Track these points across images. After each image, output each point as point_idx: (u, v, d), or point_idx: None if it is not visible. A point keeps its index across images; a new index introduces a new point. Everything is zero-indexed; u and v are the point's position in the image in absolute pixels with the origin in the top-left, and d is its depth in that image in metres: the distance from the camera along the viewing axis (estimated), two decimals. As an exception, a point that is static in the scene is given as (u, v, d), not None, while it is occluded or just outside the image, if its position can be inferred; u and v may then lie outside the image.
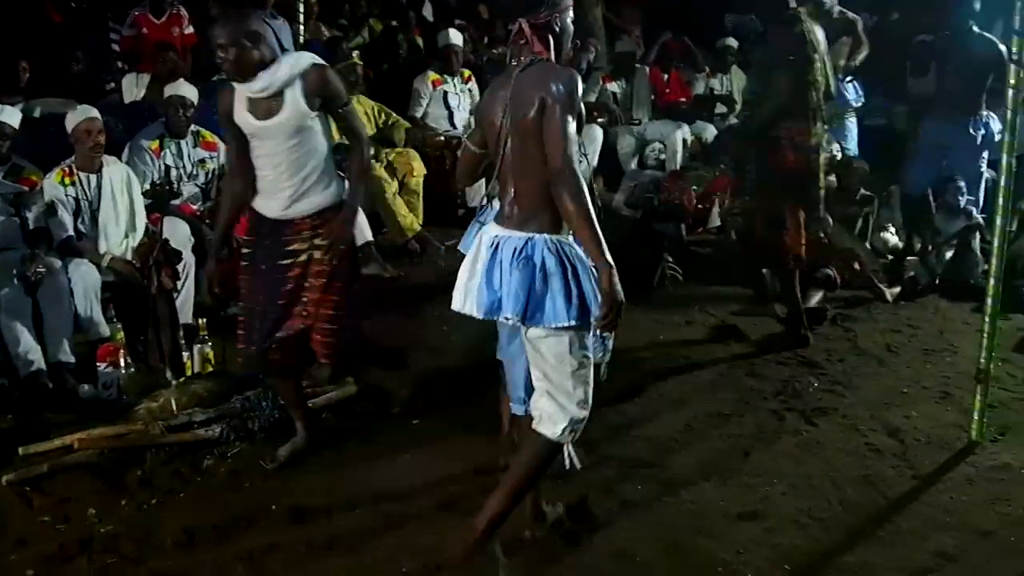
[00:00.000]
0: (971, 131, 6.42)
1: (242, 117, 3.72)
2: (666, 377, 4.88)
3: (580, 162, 2.92)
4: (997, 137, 6.06)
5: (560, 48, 3.00)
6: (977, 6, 6.47)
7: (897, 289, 6.08)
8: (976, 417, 4.07)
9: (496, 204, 3.09)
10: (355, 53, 6.88)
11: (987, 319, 3.97)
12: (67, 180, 4.94)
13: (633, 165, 7.87)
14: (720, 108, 9.03)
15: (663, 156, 7.62)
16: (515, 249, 2.91)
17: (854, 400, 4.56)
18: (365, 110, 6.96)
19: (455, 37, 7.52)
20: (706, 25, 10.06)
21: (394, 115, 7.10)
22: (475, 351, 5.13)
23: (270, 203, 3.81)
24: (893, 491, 3.73)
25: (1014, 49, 3.74)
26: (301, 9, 7.18)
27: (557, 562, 3.31)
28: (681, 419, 4.38)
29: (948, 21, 6.73)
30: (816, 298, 5.87)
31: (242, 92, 3.68)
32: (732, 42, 9.30)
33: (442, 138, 7.19)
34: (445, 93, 7.40)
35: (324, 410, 4.44)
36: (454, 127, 7.42)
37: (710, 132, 8.54)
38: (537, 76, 2.88)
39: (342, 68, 6.74)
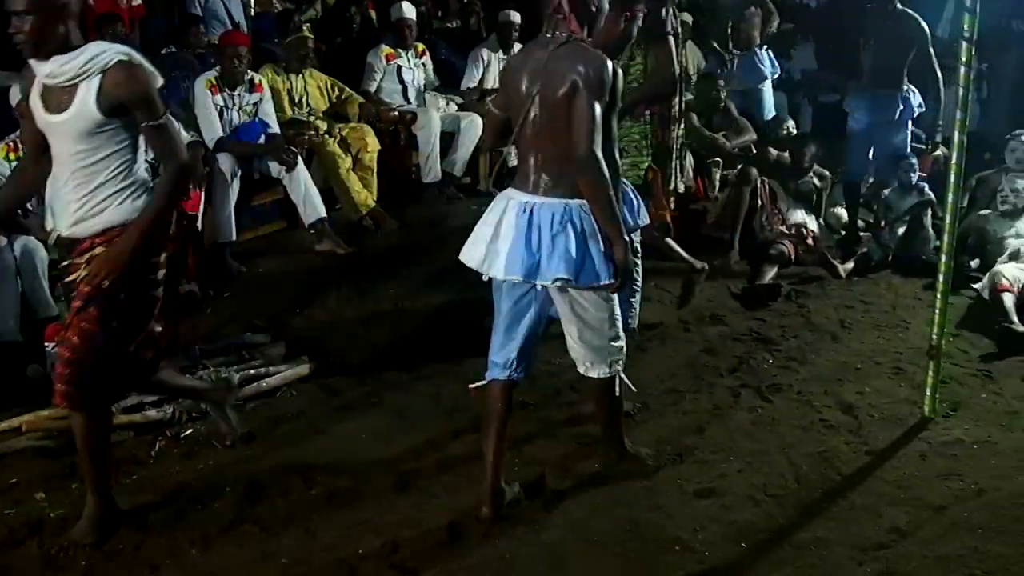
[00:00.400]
0: (892, 106, 6.54)
1: (35, 103, 3.14)
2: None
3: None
4: (916, 112, 6.67)
5: (593, 26, 3.22)
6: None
7: (850, 265, 6.13)
8: (928, 393, 4.11)
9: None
10: (306, 26, 6.75)
11: (939, 295, 4.01)
12: (12, 156, 4.81)
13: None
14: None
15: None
16: (553, 215, 3.14)
17: (808, 376, 4.59)
18: (318, 84, 6.87)
19: (408, 10, 7.42)
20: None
21: (347, 90, 7.00)
22: (429, 327, 5.14)
23: (60, 216, 3.26)
24: (847, 467, 3.76)
25: (965, 27, 3.76)
26: (251, -19, 7.06)
27: (513, 539, 3.31)
28: (636, 396, 4.36)
29: None
30: (770, 274, 5.90)
31: (39, 74, 3.08)
32: (687, 17, 9.27)
33: (396, 113, 7.10)
34: (399, 67, 7.31)
35: (279, 388, 4.41)
36: (408, 101, 7.34)
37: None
38: (572, 56, 3.09)
39: (292, 42, 6.68)
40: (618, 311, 3.37)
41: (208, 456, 3.87)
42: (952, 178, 3.91)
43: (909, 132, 6.76)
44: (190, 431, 4.04)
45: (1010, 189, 6.06)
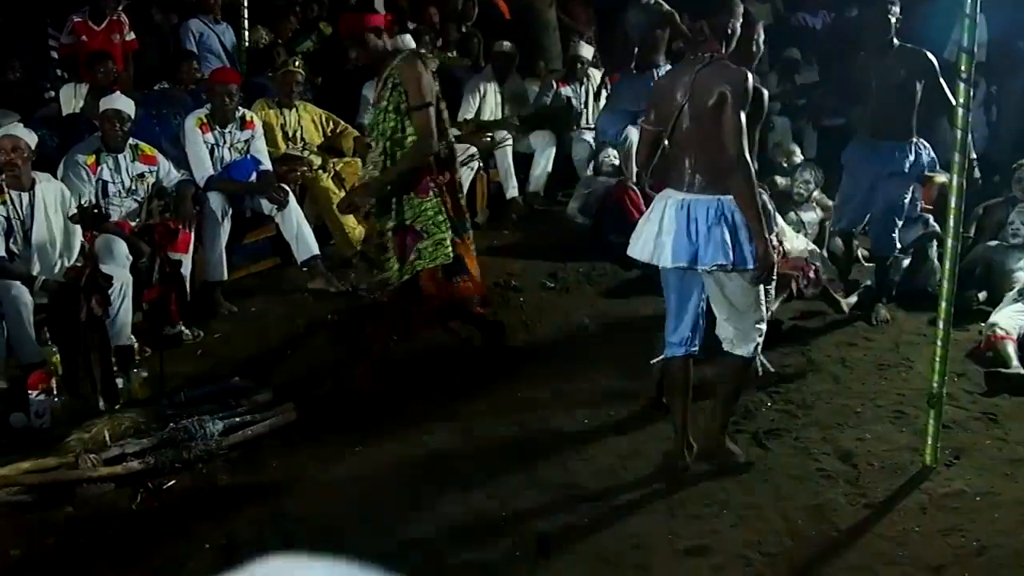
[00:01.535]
0: (898, 159, 5.52)
1: None
2: (612, 397, 4.78)
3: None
4: (927, 168, 5.65)
5: (729, 46, 3.71)
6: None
7: (853, 299, 5.98)
8: (930, 442, 3.97)
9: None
10: (297, 61, 6.67)
11: (939, 342, 3.88)
12: None
13: (588, 171, 7.74)
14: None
15: (617, 161, 7.50)
16: (708, 209, 3.63)
17: (807, 421, 4.46)
18: (312, 117, 6.81)
19: (408, 43, 7.34)
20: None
21: (342, 123, 6.93)
22: (420, 369, 5.04)
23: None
24: (844, 521, 3.64)
25: (961, 66, 3.64)
26: (245, 15, 6.98)
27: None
28: (628, 442, 4.27)
29: (869, 34, 5.82)
30: (771, 309, 5.77)
31: None
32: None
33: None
34: (396, 100, 7.22)
35: (264, 436, 4.31)
36: (404, 135, 7.25)
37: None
38: (717, 72, 3.62)
39: (279, 76, 6.61)
40: (763, 298, 3.85)
41: (188, 509, 3.78)
42: (953, 201, 3.77)
43: (913, 190, 5.85)
44: (173, 482, 3.95)
45: (1020, 221, 5.93)
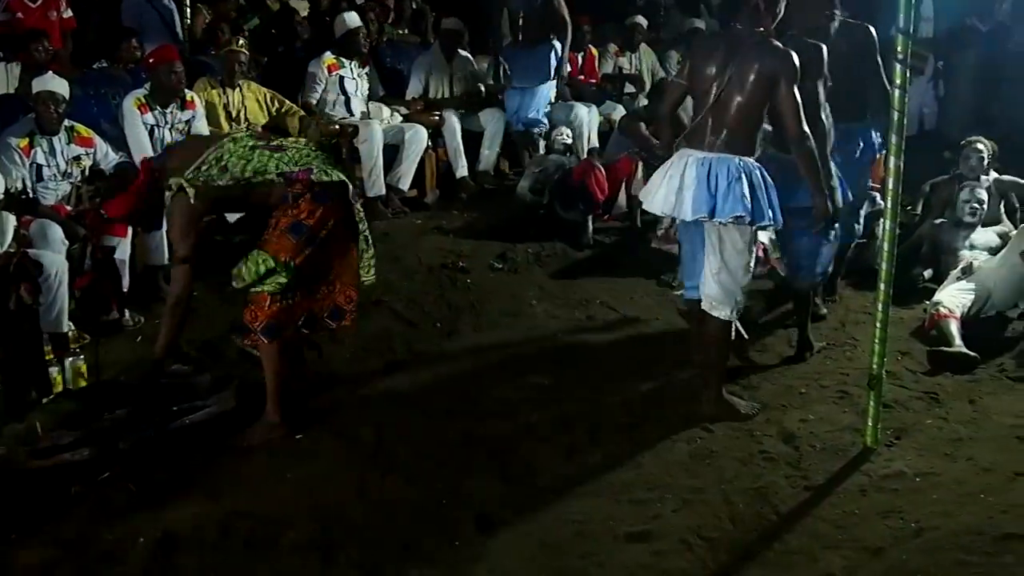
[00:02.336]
0: (848, 143, 5.11)
1: None
2: (563, 379, 4.75)
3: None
4: (879, 153, 5.33)
5: (774, 20, 4.03)
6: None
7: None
8: (870, 423, 3.98)
9: None
10: (240, 40, 6.54)
11: (878, 324, 3.88)
12: None
13: (540, 150, 7.69)
14: (629, 88, 8.87)
15: (569, 140, 7.45)
16: (729, 167, 3.95)
17: (752, 402, 4.45)
18: (257, 97, 6.68)
19: (355, 19, 7.25)
20: (614, 1, 9.91)
21: (288, 102, 6.82)
22: (362, 358, 4.97)
23: None
24: (785, 504, 3.63)
25: (899, 49, 3.61)
26: (187, -9, 6.83)
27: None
28: (577, 425, 4.25)
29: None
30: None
31: None
32: (641, 20, 9.16)
33: (337, 126, 6.91)
34: (341, 78, 7.10)
35: (203, 425, 4.23)
36: (351, 113, 7.14)
37: (619, 112, 8.39)
38: (764, 51, 3.95)
39: (222, 55, 6.49)
40: (751, 265, 4.17)
41: (123, 503, 3.69)
42: (891, 182, 3.76)
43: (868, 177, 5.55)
44: (107, 474, 3.86)
45: (977, 200, 5.94)
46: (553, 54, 7.70)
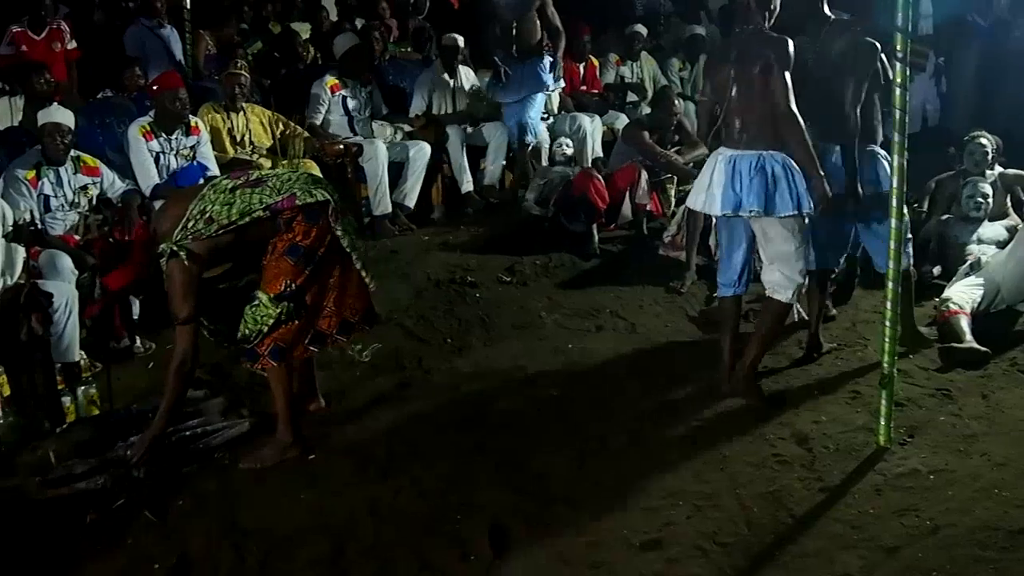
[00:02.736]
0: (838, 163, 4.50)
1: None
2: (573, 389, 4.75)
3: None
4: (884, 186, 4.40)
5: (772, 17, 4.21)
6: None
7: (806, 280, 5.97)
8: (883, 422, 3.97)
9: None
10: (240, 63, 6.58)
11: (888, 322, 3.87)
12: None
13: (543, 162, 7.70)
14: (631, 96, 8.88)
15: (570, 151, 7.46)
16: (751, 162, 4.13)
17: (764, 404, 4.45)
18: (261, 120, 6.72)
19: (351, 40, 7.30)
20: (614, 11, 9.92)
21: (292, 124, 6.86)
22: (372, 376, 4.98)
23: None
24: (800, 507, 3.62)
25: (897, 48, 3.62)
26: (187, 17, 6.87)
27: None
28: (589, 435, 4.25)
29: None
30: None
31: None
32: (641, 28, 9.17)
33: (341, 146, 6.93)
34: (344, 98, 7.15)
35: (217, 449, 4.24)
36: (354, 133, 7.17)
37: (622, 122, 8.39)
38: (759, 41, 4.18)
39: (223, 78, 6.53)
40: (804, 251, 4.30)
41: (138, 529, 3.70)
42: (895, 180, 3.79)
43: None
44: (122, 501, 3.87)
45: (980, 195, 5.93)
46: (544, 65, 7.56)
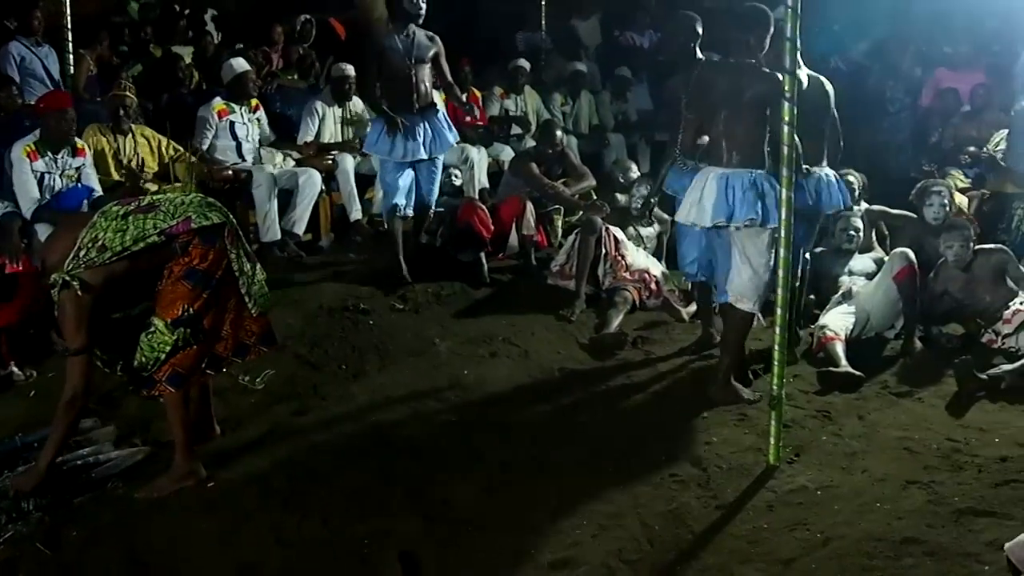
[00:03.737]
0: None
1: None
2: (471, 414, 4.82)
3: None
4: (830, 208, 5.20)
5: (763, 51, 4.65)
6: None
7: (693, 308, 6.21)
8: (772, 442, 4.17)
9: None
10: (124, 84, 6.45)
11: (776, 347, 4.08)
12: None
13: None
14: (516, 129, 9.05)
15: (458, 182, 7.56)
16: (743, 179, 4.56)
17: (657, 428, 4.60)
18: (151, 144, 6.60)
19: (240, 65, 7.23)
20: (496, 46, 10.10)
21: (180, 148, 6.75)
22: (268, 403, 4.93)
23: None
24: (698, 524, 3.77)
25: (785, 88, 3.85)
26: (69, 37, 6.69)
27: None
28: (490, 459, 4.31)
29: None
30: (616, 321, 5.93)
31: None
32: (524, 63, 9.37)
33: (229, 172, 6.86)
34: (232, 123, 7.08)
35: (111, 479, 4.13)
36: (242, 159, 7.10)
37: (507, 154, 8.54)
38: (753, 74, 4.60)
39: (106, 100, 6.39)
40: (771, 263, 4.54)
41: (30, 563, 3.57)
42: (783, 213, 4.00)
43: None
44: (11, 533, 3.73)
45: (852, 228, 6.27)
46: (442, 120, 6.79)
